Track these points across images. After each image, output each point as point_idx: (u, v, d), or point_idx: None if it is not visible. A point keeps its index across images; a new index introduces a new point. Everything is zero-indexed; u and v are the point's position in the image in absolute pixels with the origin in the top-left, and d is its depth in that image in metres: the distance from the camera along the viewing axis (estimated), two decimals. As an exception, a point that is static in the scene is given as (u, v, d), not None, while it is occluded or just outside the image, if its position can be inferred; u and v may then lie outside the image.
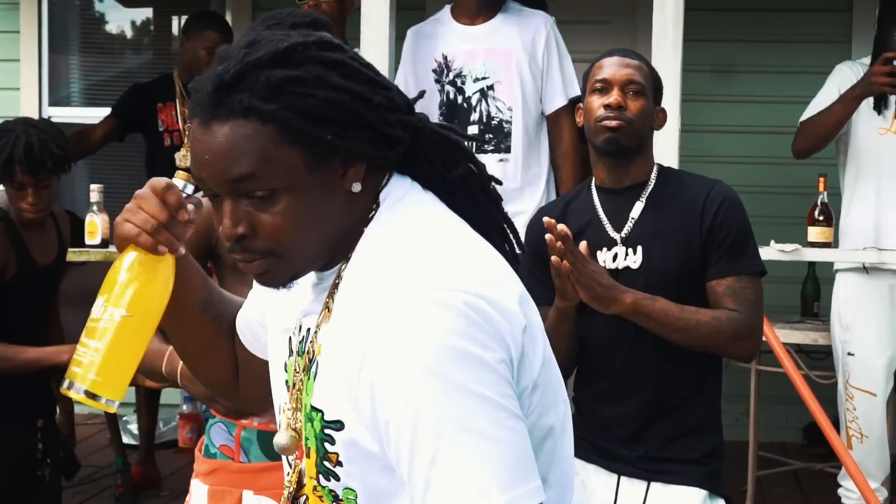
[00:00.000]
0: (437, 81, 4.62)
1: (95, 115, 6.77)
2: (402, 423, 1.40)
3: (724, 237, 2.87)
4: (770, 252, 4.61)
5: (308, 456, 1.57)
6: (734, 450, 5.08)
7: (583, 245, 2.81)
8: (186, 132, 4.49)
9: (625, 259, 2.90)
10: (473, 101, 4.61)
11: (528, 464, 1.42)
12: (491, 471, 1.38)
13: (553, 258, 2.76)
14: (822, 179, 4.80)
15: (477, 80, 4.58)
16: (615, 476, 2.92)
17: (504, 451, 1.40)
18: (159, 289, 1.61)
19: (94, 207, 4.79)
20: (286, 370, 1.64)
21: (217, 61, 1.50)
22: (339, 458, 1.51)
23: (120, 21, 7.18)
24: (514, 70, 4.54)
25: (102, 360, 1.54)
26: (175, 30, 7.19)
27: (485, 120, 4.58)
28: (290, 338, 1.63)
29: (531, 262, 3.01)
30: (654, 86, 2.99)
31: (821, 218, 4.72)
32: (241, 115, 1.46)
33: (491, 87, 4.58)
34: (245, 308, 1.81)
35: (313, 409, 1.53)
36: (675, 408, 2.90)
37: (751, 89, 6.33)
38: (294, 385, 1.60)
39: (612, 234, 2.94)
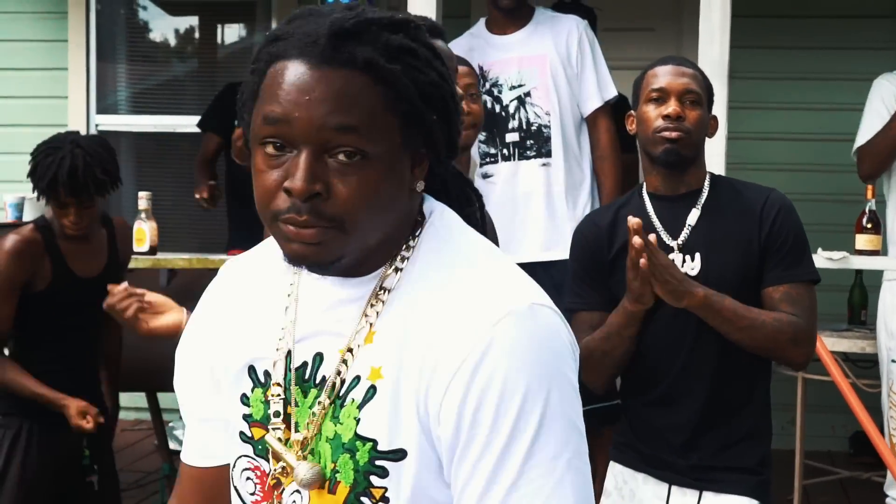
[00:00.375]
0: None
1: (141, 122, 6.87)
2: (494, 436, 1.35)
3: (781, 244, 2.86)
4: (818, 260, 4.54)
5: (331, 492, 1.44)
6: (780, 458, 5.05)
7: (652, 237, 2.78)
8: None
9: (682, 266, 2.88)
10: (511, 109, 4.64)
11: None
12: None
13: (641, 261, 2.73)
14: (869, 187, 4.77)
15: (513, 87, 4.61)
16: (666, 485, 2.91)
17: (586, 485, 1.37)
18: None
19: (143, 215, 4.84)
20: (248, 403, 1.52)
21: (314, 15, 1.41)
22: (386, 494, 1.41)
23: (165, 29, 7.24)
24: (549, 75, 4.57)
25: None
26: (219, 38, 7.25)
27: (524, 126, 4.61)
28: (256, 368, 1.52)
29: (580, 266, 3.02)
30: (707, 94, 2.97)
31: (869, 226, 4.69)
32: (361, 66, 1.37)
33: (528, 94, 4.61)
34: (196, 444, 1.65)
35: (359, 437, 1.41)
36: (728, 415, 2.88)
37: (796, 96, 6.31)
38: (303, 415, 1.47)
39: (669, 241, 2.92)
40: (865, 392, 4.71)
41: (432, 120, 1.42)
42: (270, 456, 1.49)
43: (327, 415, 1.44)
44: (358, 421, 1.41)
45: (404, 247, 1.46)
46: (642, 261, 2.71)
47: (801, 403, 4.96)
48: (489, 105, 4.63)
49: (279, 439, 1.47)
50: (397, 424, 1.39)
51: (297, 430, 1.46)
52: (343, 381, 1.43)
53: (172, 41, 7.27)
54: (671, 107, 2.88)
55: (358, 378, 1.42)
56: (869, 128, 4.67)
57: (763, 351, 2.85)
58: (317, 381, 1.46)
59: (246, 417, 1.52)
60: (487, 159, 4.64)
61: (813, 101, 6.28)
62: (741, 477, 2.86)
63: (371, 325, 1.43)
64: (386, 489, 1.41)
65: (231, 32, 7.24)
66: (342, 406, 1.43)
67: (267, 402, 1.49)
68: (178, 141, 6.86)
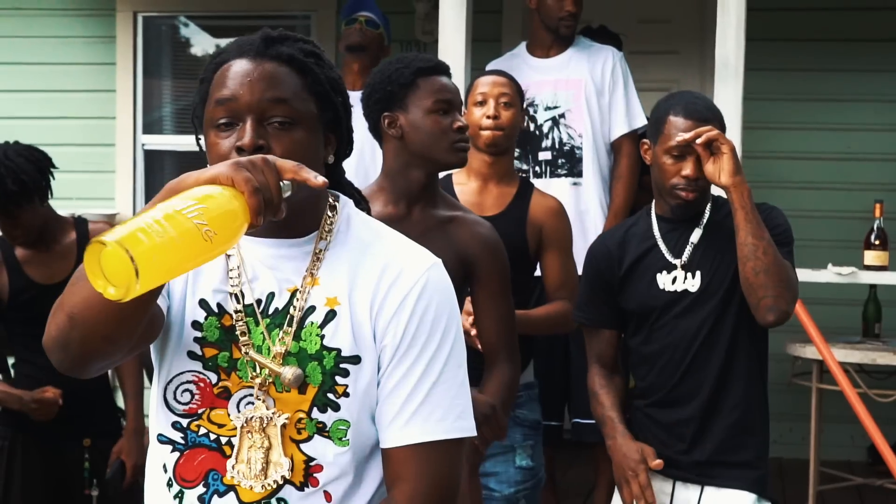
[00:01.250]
0: None
1: (186, 142, 7.11)
2: (429, 344, 1.84)
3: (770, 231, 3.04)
4: (827, 275, 4.77)
5: (301, 392, 1.83)
6: (799, 468, 5.24)
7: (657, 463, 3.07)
8: None
9: (683, 282, 3.11)
10: (545, 129, 4.87)
11: None
12: (466, 401, 1.88)
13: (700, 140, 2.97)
14: (878, 205, 4.95)
15: (548, 108, 4.86)
16: (670, 481, 3.12)
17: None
18: (233, 240, 1.61)
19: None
20: (201, 328, 1.85)
21: (246, 37, 1.89)
22: (347, 390, 1.83)
23: (208, 51, 7.46)
24: (583, 99, 4.82)
25: (166, 246, 1.49)
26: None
27: (557, 146, 4.84)
28: (209, 302, 1.86)
29: (590, 285, 3.26)
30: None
31: (877, 242, 4.87)
32: (286, 59, 1.85)
33: (562, 116, 4.85)
34: None
35: (324, 348, 1.83)
36: (727, 415, 3.09)
37: (809, 117, 6.45)
38: (271, 334, 1.84)
39: (672, 259, 3.14)
40: (881, 403, 4.88)
41: (339, 103, 1.90)
42: (234, 366, 1.85)
43: (290, 335, 1.84)
44: (322, 337, 1.84)
45: (328, 219, 1.90)
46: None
47: (815, 410, 5.10)
48: (524, 124, 4.87)
49: (256, 354, 1.84)
50: (356, 337, 1.84)
51: (260, 349, 1.85)
52: (298, 311, 1.84)
53: (215, 63, 7.52)
54: (689, 168, 3.04)
55: (313, 307, 1.85)
56: None
57: (763, 276, 2.95)
58: (269, 313, 1.86)
59: (198, 340, 1.87)
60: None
61: (826, 122, 6.42)
62: (740, 472, 3.07)
63: (313, 273, 1.86)
64: (347, 386, 1.84)
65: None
66: (301, 329, 1.84)
67: (221, 328, 1.86)
68: (221, 160, 7.10)
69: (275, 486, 1.83)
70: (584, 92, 4.83)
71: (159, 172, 7.19)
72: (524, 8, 6.66)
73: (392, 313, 1.84)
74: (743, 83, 4.57)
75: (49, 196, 3.78)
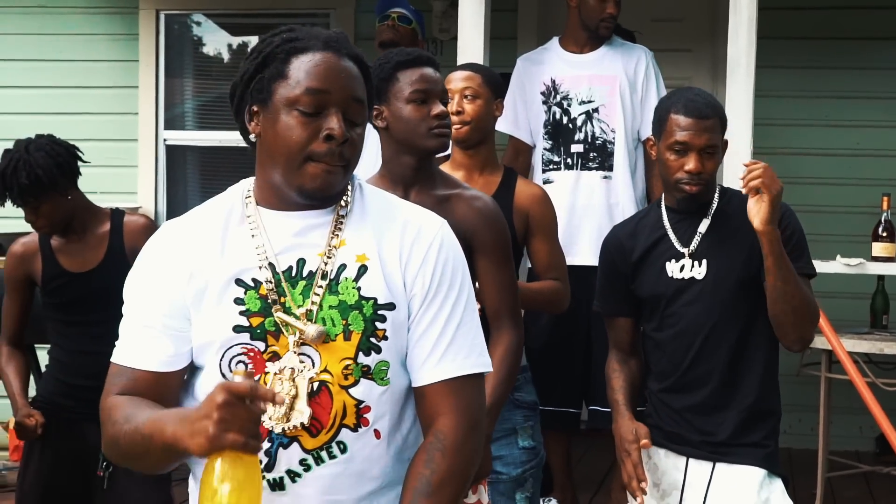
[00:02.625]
0: (544, 102, 5.05)
1: (207, 137, 7.25)
2: (451, 291, 2.11)
3: (785, 242, 3.19)
4: (836, 266, 4.89)
5: (347, 339, 2.04)
6: (808, 458, 5.35)
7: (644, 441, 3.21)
8: None
9: (690, 270, 3.26)
10: (579, 122, 4.99)
11: None
12: (483, 341, 2.17)
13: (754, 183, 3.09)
14: (885, 198, 5.07)
15: (582, 102, 4.98)
16: (684, 458, 3.27)
17: None
18: (259, 483, 1.84)
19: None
20: (244, 303, 2.05)
21: (308, 29, 2.10)
22: (386, 334, 2.06)
23: (229, 49, 7.60)
24: (618, 95, 4.94)
25: None
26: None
27: (589, 140, 4.97)
28: (243, 279, 2.05)
29: (605, 276, 3.41)
30: (723, 133, 3.27)
31: (884, 234, 4.99)
32: (358, 63, 2.10)
33: (596, 110, 4.97)
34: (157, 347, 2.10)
35: (364, 299, 2.06)
36: (737, 397, 3.23)
37: (820, 113, 6.55)
38: (296, 299, 2.05)
39: (680, 248, 3.28)
40: (887, 392, 5.00)
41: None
42: (277, 329, 2.04)
43: (325, 293, 2.05)
44: (358, 289, 2.06)
45: (345, 190, 2.13)
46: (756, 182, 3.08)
47: (823, 399, 5.21)
48: (557, 116, 4.99)
49: (283, 315, 2.04)
50: (389, 286, 2.08)
51: (296, 309, 2.04)
52: (332, 269, 2.07)
53: (236, 60, 7.59)
54: (692, 162, 3.19)
55: (344, 265, 2.07)
56: None
57: (788, 317, 3.13)
58: (304, 276, 2.07)
59: (243, 313, 2.05)
60: (551, 166, 5.00)
61: (835, 119, 6.51)
62: (751, 450, 3.21)
63: (338, 236, 2.09)
64: (385, 330, 2.07)
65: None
66: (337, 284, 2.06)
67: (262, 297, 2.05)
68: (242, 155, 7.22)
69: (294, 430, 2.04)
70: (619, 88, 4.95)
71: (181, 167, 7.33)
72: (540, 6, 6.81)
73: (419, 265, 2.10)
74: (754, 80, 4.68)
75: (69, 189, 3.87)
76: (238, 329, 2.04)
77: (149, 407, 2.01)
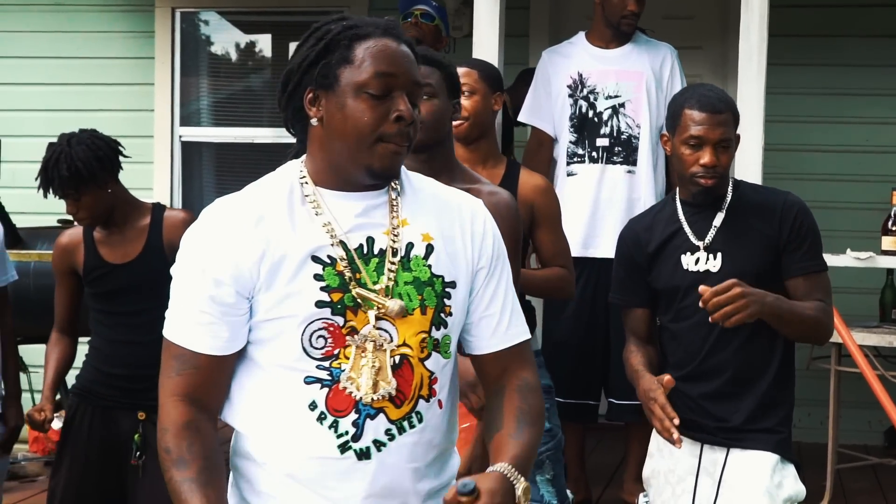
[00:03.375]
0: (570, 96, 5.11)
1: (221, 134, 7.33)
2: (505, 264, 2.30)
3: (802, 240, 3.28)
4: (846, 259, 4.95)
5: (423, 313, 2.17)
6: (818, 451, 5.41)
7: (666, 378, 3.25)
8: None
9: (706, 263, 3.33)
10: (605, 117, 5.06)
11: None
12: None
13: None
14: (894, 193, 5.13)
15: (609, 97, 5.05)
16: (699, 444, 3.34)
17: None
18: None
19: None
20: (323, 279, 2.11)
21: (364, 18, 2.19)
22: (451, 310, 2.20)
23: (243, 47, 7.67)
24: (644, 91, 5.02)
25: None
26: (290, 51, 7.67)
27: (615, 134, 5.04)
28: (319, 256, 2.12)
29: (622, 268, 3.49)
30: (736, 127, 3.34)
31: (894, 228, 5.06)
32: (410, 47, 2.19)
33: (622, 105, 5.04)
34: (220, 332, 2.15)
35: (435, 276, 2.18)
36: (751, 386, 3.30)
37: (829, 111, 6.62)
38: (370, 275, 2.14)
39: (696, 241, 3.35)
40: (895, 384, 5.06)
41: None
42: (356, 304, 2.13)
43: (398, 269, 2.16)
44: (429, 266, 2.19)
45: None
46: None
47: (833, 392, 5.28)
48: (584, 110, 5.06)
49: (363, 291, 2.13)
50: (453, 265, 2.22)
51: (372, 285, 2.14)
52: (401, 247, 2.17)
53: (250, 58, 7.71)
54: (707, 156, 3.26)
55: (412, 244, 2.19)
56: None
57: (802, 338, 3.32)
58: (374, 253, 2.16)
59: (324, 289, 2.12)
60: (575, 159, 5.06)
61: (845, 116, 6.58)
62: (764, 436, 3.28)
63: (397, 216, 2.19)
64: (451, 306, 2.20)
65: (304, 50, 7.67)
66: (409, 261, 2.18)
67: (339, 274, 2.13)
68: (256, 151, 7.33)
69: (380, 401, 2.13)
70: (645, 84, 5.02)
71: (196, 163, 7.41)
72: (552, 3, 6.88)
73: (480, 242, 2.26)
74: (765, 77, 4.74)
75: (109, 182, 3.94)
76: (320, 304, 2.11)
77: (201, 464, 2.11)
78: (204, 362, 2.14)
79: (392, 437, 2.14)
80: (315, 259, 2.13)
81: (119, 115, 7.16)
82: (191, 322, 2.15)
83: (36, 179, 3.92)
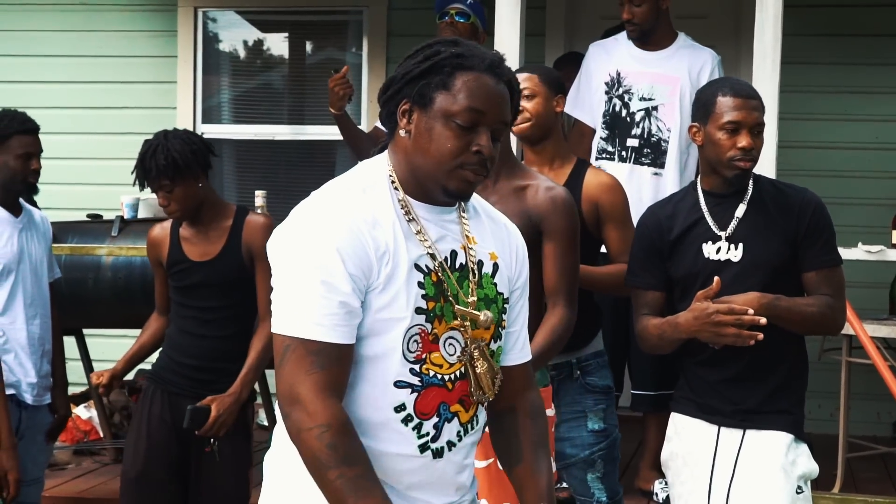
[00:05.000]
0: (606, 93, 5.20)
1: (242, 131, 7.46)
2: (527, 287, 2.49)
3: (818, 235, 3.42)
4: (857, 253, 5.06)
5: (486, 328, 2.33)
6: (829, 442, 5.51)
7: (716, 281, 3.34)
8: None
9: (727, 252, 3.45)
10: (637, 118, 5.13)
11: None
12: None
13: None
14: (904, 189, 5.25)
15: (643, 98, 5.11)
16: (716, 427, 3.46)
17: None
18: None
19: (258, 211, 5.37)
20: (424, 287, 2.24)
21: (475, 48, 2.30)
22: (505, 324, 2.41)
23: (264, 46, 7.81)
24: (678, 96, 5.06)
25: None
26: (313, 53, 7.80)
27: (645, 136, 5.11)
28: (419, 264, 2.25)
29: (642, 251, 3.59)
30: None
31: (904, 222, 5.17)
32: (509, 86, 2.31)
33: (655, 108, 5.10)
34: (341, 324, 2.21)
35: (499, 294, 2.37)
36: (766, 370, 3.43)
37: (842, 108, 6.72)
38: (463, 285, 2.31)
39: (718, 231, 3.47)
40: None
41: None
42: (442, 314, 2.27)
43: (475, 285, 2.33)
44: (496, 285, 2.38)
45: None
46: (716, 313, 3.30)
47: (844, 383, 5.36)
48: (617, 108, 5.14)
49: (459, 307, 2.29)
50: (508, 284, 2.42)
51: (464, 298, 2.30)
52: (475, 264, 2.35)
53: (269, 56, 7.83)
54: (744, 140, 3.39)
55: (482, 262, 2.36)
56: None
57: (808, 333, 3.47)
58: (457, 267, 2.32)
59: (424, 297, 2.25)
60: (604, 156, 5.14)
61: (855, 113, 6.68)
62: (779, 416, 3.42)
63: (468, 234, 2.35)
64: (505, 321, 2.41)
65: (324, 48, 7.78)
66: (481, 277, 2.35)
67: (435, 284, 2.27)
68: (275, 147, 7.46)
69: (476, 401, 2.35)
70: (680, 90, 5.05)
71: (217, 159, 7.48)
72: (567, 3, 6.99)
73: (520, 265, 2.46)
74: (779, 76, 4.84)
75: (201, 178, 4.15)
76: (419, 311, 2.25)
77: (368, 461, 2.18)
78: (345, 353, 2.20)
79: (460, 438, 2.34)
80: (417, 267, 2.26)
81: (142, 112, 7.31)
82: (326, 315, 2.18)
83: (132, 173, 4.12)
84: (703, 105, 3.49)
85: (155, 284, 4.42)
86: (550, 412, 3.58)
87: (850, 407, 5.44)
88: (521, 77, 4.03)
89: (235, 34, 7.77)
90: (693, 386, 3.52)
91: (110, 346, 4.48)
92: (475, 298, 2.32)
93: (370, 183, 2.30)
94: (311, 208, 2.25)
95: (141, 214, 6.01)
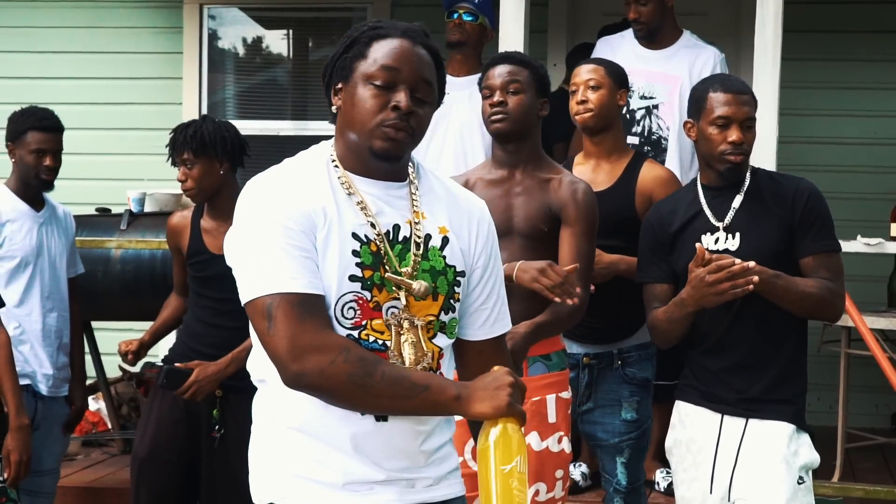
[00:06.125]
0: None
1: (247, 126, 7.39)
2: (499, 262, 2.57)
3: (813, 222, 3.50)
4: (856, 245, 5.13)
5: (434, 299, 2.41)
6: (828, 434, 5.59)
7: (699, 248, 3.40)
8: None
9: (725, 242, 3.53)
10: (637, 116, 5.16)
11: None
12: None
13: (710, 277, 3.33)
14: (903, 183, 5.32)
15: (643, 97, 5.14)
16: (719, 415, 3.54)
17: None
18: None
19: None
20: (360, 255, 2.32)
21: (393, 21, 2.42)
22: (458, 297, 2.46)
23: (269, 43, 7.86)
24: (678, 95, 5.07)
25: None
26: (318, 49, 7.86)
27: (646, 134, 5.15)
28: (357, 233, 2.33)
29: (647, 246, 3.69)
30: (756, 111, 3.56)
31: (902, 215, 5.24)
32: (433, 53, 2.42)
33: (656, 107, 5.13)
34: (312, 275, 2.31)
35: (447, 266, 2.43)
36: (768, 359, 3.51)
37: (841, 104, 6.79)
38: (405, 258, 2.38)
39: (715, 222, 3.56)
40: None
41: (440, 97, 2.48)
42: (382, 283, 2.34)
43: (420, 257, 2.39)
44: (444, 257, 2.43)
45: (411, 168, 2.46)
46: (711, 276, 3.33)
47: (843, 374, 5.45)
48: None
49: (391, 274, 2.35)
50: (463, 257, 2.47)
51: (395, 269, 2.36)
52: (421, 237, 2.40)
53: (272, 52, 7.89)
54: (735, 134, 3.48)
55: (430, 235, 2.42)
56: None
57: (807, 315, 3.50)
58: (399, 240, 2.39)
59: (358, 265, 2.33)
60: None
61: (854, 109, 6.76)
62: (780, 407, 3.49)
63: (417, 208, 2.41)
64: (459, 294, 2.46)
65: (327, 44, 7.83)
66: (427, 250, 2.41)
67: (371, 253, 2.35)
68: (279, 143, 7.48)
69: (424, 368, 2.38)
70: (680, 89, 5.06)
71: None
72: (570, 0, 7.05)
73: (484, 241, 2.52)
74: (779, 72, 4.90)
75: (224, 165, 4.21)
76: (353, 279, 2.33)
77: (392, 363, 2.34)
78: (322, 303, 2.31)
79: None
80: (354, 236, 2.35)
81: (148, 108, 7.35)
82: (298, 270, 2.28)
83: (166, 147, 4.22)
84: (695, 101, 3.59)
85: (173, 266, 4.49)
86: (566, 395, 3.68)
87: (848, 399, 5.51)
88: (588, 68, 4.18)
89: (240, 31, 7.82)
90: (697, 375, 3.59)
91: (119, 339, 4.54)
92: (409, 269, 2.37)
93: (308, 159, 2.43)
94: (256, 185, 2.38)
95: (147, 209, 6.06)
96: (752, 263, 3.31)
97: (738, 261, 3.32)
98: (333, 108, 2.44)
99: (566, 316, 3.54)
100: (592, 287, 3.81)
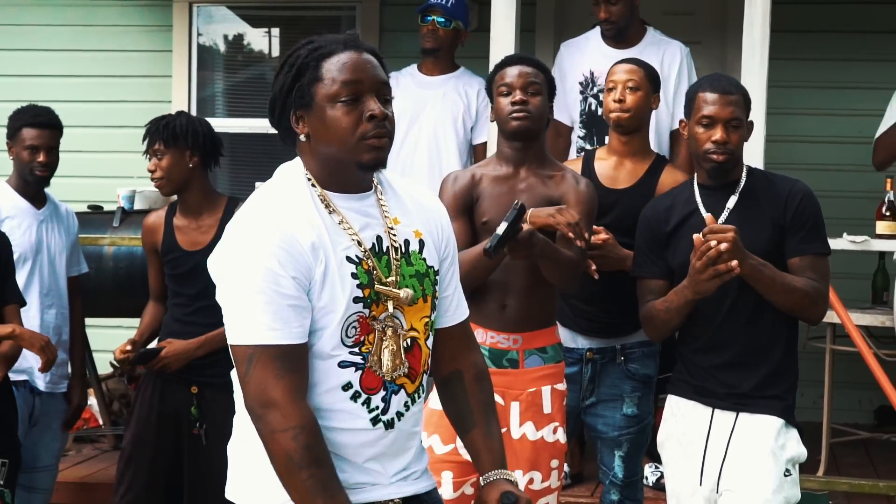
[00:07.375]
0: (581, 93, 5.29)
1: (236, 124, 7.51)
2: (455, 253, 2.66)
3: (804, 223, 3.55)
4: (842, 243, 5.18)
5: (425, 301, 2.50)
6: (812, 430, 5.65)
7: (709, 217, 3.46)
8: None
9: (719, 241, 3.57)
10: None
11: None
12: None
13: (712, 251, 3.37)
14: (888, 180, 5.37)
15: None
16: (710, 409, 3.60)
17: None
18: None
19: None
20: (358, 276, 2.38)
21: (326, 37, 2.45)
22: (438, 295, 2.57)
23: (258, 41, 7.91)
24: None
25: None
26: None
27: None
28: (350, 256, 2.39)
29: (644, 242, 3.74)
30: (747, 112, 3.62)
31: (888, 213, 5.29)
32: (372, 53, 2.45)
33: None
34: (297, 327, 2.36)
35: (429, 268, 2.53)
36: (759, 356, 3.56)
37: (827, 103, 6.84)
38: (390, 267, 2.44)
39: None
40: (888, 364, 5.29)
41: None
42: (377, 297, 2.41)
43: (402, 263, 2.46)
44: (425, 259, 2.52)
45: (374, 177, 2.51)
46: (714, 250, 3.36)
47: (828, 373, 5.50)
48: (593, 108, 5.23)
49: (379, 286, 2.41)
50: (436, 255, 2.56)
51: (385, 279, 2.43)
52: (400, 244, 2.47)
53: (261, 51, 7.92)
54: (718, 133, 3.53)
55: (408, 240, 2.50)
56: (887, 121, 5.25)
57: (791, 309, 3.53)
58: (383, 251, 2.45)
59: (359, 286, 2.40)
60: (582, 154, 5.25)
61: (843, 108, 6.81)
62: (769, 402, 3.55)
63: (388, 215, 2.47)
64: (438, 291, 2.57)
65: (316, 43, 7.86)
66: (409, 255, 2.49)
67: (367, 271, 2.41)
68: (268, 141, 7.48)
69: (401, 379, 2.47)
70: None
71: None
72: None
73: (447, 235, 2.62)
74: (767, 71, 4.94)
75: (195, 155, 4.25)
76: (356, 300, 2.41)
77: (333, 464, 2.35)
78: (304, 351, 2.36)
79: (408, 408, 2.50)
80: (349, 259, 2.41)
81: (137, 105, 7.30)
82: (279, 319, 2.32)
83: (143, 140, 4.24)
84: (688, 101, 3.66)
85: (149, 272, 4.49)
86: (561, 387, 3.74)
87: (833, 394, 5.56)
88: (628, 69, 4.22)
89: (229, 29, 7.83)
90: (689, 370, 3.65)
91: (111, 337, 4.57)
92: (394, 278, 2.45)
93: (289, 186, 2.45)
94: (242, 223, 2.40)
95: (137, 206, 6.08)
96: (730, 234, 3.33)
97: (713, 243, 3.34)
98: (302, 138, 2.44)
99: (566, 260, 3.61)
100: (596, 274, 3.92)
